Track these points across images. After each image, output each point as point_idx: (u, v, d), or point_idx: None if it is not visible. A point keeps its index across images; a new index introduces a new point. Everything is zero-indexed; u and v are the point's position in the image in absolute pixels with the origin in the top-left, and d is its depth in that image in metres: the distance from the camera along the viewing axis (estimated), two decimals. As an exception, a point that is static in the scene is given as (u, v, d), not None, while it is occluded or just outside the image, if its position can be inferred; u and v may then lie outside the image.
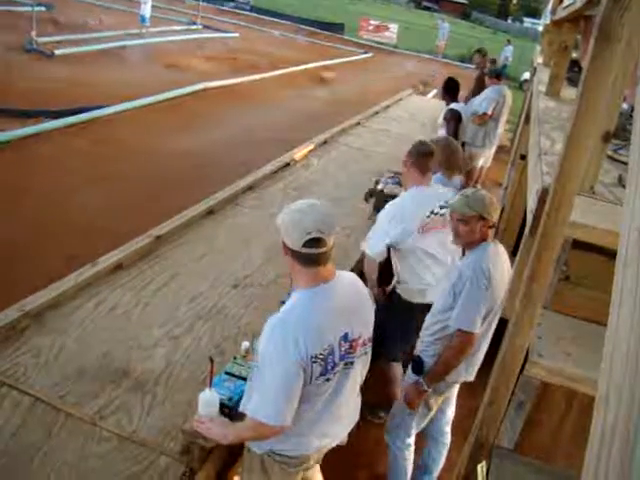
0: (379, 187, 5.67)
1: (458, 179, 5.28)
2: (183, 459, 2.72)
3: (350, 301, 2.47)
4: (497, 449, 2.10)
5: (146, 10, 20.84)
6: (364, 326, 2.51)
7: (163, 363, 3.34)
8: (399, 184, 5.66)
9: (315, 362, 2.29)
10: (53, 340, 3.38)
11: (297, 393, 2.30)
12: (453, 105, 7.44)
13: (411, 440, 3.71)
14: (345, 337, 2.39)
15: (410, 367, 3.50)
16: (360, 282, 2.64)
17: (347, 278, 2.56)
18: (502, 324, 2.20)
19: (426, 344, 3.40)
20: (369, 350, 2.58)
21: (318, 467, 2.96)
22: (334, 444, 2.69)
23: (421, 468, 3.98)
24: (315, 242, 2.27)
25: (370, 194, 5.65)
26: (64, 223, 6.66)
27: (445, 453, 3.98)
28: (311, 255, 2.30)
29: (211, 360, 2.68)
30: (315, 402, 2.44)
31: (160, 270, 4.26)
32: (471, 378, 3.54)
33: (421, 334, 3.47)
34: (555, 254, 1.93)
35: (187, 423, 2.74)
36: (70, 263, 4.14)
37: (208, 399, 2.67)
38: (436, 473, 4.00)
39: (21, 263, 5.66)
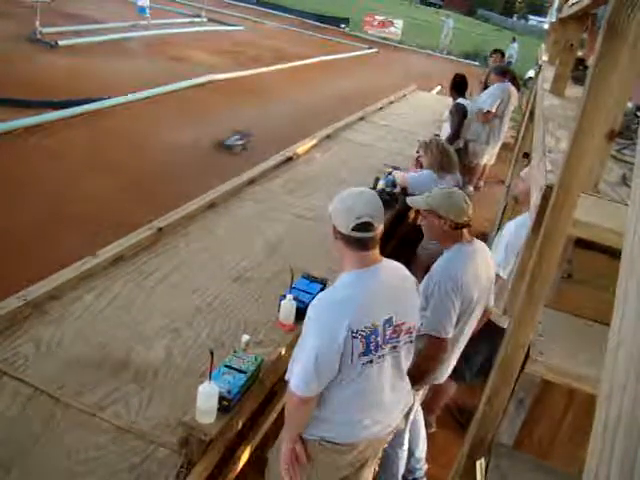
0: (379, 185, 5.67)
1: (450, 179, 5.31)
2: (181, 451, 2.73)
3: (395, 287, 2.54)
4: (496, 446, 2.10)
5: (145, 1, 20.49)
6: (409, 313, 2.56)
7: (163, 355, 3.35)
8: (394, 184, 5.66)
9: (356, 337, 2.34)
10: (53, 330, 3.38)
11: (330, 367, 2.35)
12: (460, 100, 7.43)
13: (403, 439, 3.71)
14: (389, 321, 2.45)
15: None
16: (406, 270, 2.68)
17: (393, 264, 2.63)
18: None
19: None
20: (414, 338, 2.63)
21: (372, 468, 2.95)
22: (385, 432, 2.69)
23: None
24: (364, 226, 2.38)
25: None
26: (67, 214, 6.66)
27: (422, 431, 3.97)
28: (360, 239, 2.40)
29: (211, 353, 2.69)
30: (359, 386, 2.46)
31: (161, 262, 4.26)
32: (442, 380, 3.59)
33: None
34: (558, 252, 1.93)
35: (186, 415, 2.75)
36: (72, 253, 4.14)
37: (207, 392, 2.68)
38: (422, 455, 4.00)
39: (22, 254, 5.66)
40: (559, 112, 3.87)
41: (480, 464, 2.01)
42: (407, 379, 2.77)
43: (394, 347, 2.51)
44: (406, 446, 3.78)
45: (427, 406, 4.08)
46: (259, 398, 3.19)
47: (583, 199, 1.86)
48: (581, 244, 2.01)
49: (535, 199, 2.21)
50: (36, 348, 3.23)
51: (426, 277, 3.35)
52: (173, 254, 4.41)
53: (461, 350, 3.56)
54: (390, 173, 5.97)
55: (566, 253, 2.03)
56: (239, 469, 3.15)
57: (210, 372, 2.71)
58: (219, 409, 2.74)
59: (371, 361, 2.43)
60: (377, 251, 2.50)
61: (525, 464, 2.09)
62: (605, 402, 0.72)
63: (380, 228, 2.45)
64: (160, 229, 4.58)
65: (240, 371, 2.91)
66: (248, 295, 4.04)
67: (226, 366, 2.95)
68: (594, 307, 2.01)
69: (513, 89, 8.41)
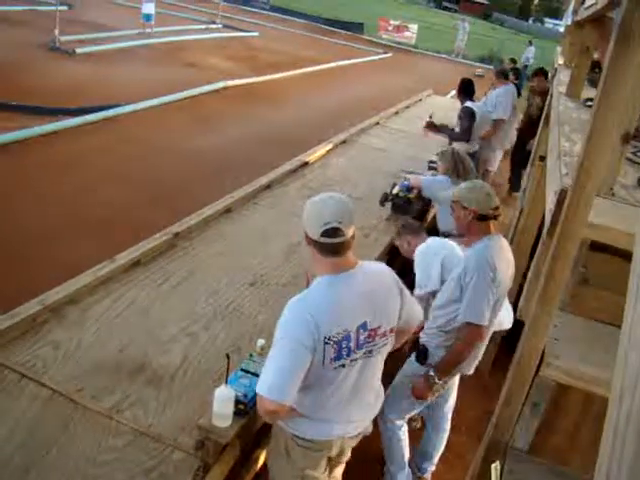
0: (395, 191, 5.68)
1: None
2: (197, 454, 2.74)
3: (370, 291, 2.51)
4: (512, 450, 2.10)
5: (150, 8, 20.54)
6: (386, 317, 2.54)
7: (179, 359, 3.37)
8: (409, 189, 5.66)
9: (327, 344, 2.35)
10: (72, 334, 3.42)
11: (300, 371, 2.34)
12: (468, 103, 7.40)
13: (403, 422, 3.76)
14: (364, 326, 2.44)
15: (414, 356, 3.54)
16: (388, 273, 2.67)
17: (371, 268, 2.62)
18: (518, 325, 2.19)
19: (431, 335, 3.46)
20: (390, 341, 2.62)
21: (343, 464, 2.98)
22: (356, 432, 2.72)
23: (421, 454, 4.02)
24: (333, 232, 2.37)
25: (385, 198, 5.67)
26: (84, 219, 6.73)
27: (445, 439, 4.01)
28: (329, 244, 2.38)
29: (227, 357, 2.71)
30: (335, 388, 2.49)
31: (178, 267, 4.29)
32: (470, 372, 3.66)
33: (426, 325, 3.53)
34: (573, 256, 1.92)
35: (202, 419, 2.77)
36: (90, 258, 4.18)
37: (224, 395, 2.69)
38: (436, 459, 4.05)
39: (40, 259, 5.72)
40: (574, 115, 3.86)
41: (495, 467, 2.01)
42: (379, 383, 2.76)
43: (369, 351, 2.51)
44: (405, 427, 3.79)
45: None
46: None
47: (598, 202, 1.87)
48: (596, 247, 2.01)
49: (550, 202, 2.20)
50: (54, 351, 3.26)
51: (459, 269, 3.36)
52: (189, 259, 4.44)
53: (480, 353, 3.59)
54: (406, 178, 5.98)
55: (581, 256, 2.03)
56: (255, 473, 3.16)
57: (226, 376, 2.73)
58: (235, 413, 2.76)
59: (343, 365, 2.44)
60: (350, 255, 2.47)
61: (540, 469, 2.08)
62: (616, 404, 0.73)
63: (350, 232, 2.42)
64: (176, 234, 4.61)
65: (256, 375, 2.92)
66: (264, 299, 4.06)
67: (242, 370, 2.96)
68: (609, 310, 2.00)
69: (514, 90, 8.45)
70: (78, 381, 3.09)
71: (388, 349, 2.67)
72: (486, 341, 3.54)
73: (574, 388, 2.00)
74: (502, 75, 8.70)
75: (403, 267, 4.13)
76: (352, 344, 2.42)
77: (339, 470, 2.97)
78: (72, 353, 3.28)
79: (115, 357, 3.31)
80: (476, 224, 3.39)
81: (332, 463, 2.82)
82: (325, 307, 2.38)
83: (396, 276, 2.69)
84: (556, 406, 2.26)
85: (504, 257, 3.36)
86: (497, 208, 3.39)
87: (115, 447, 2.76)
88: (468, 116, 7.19)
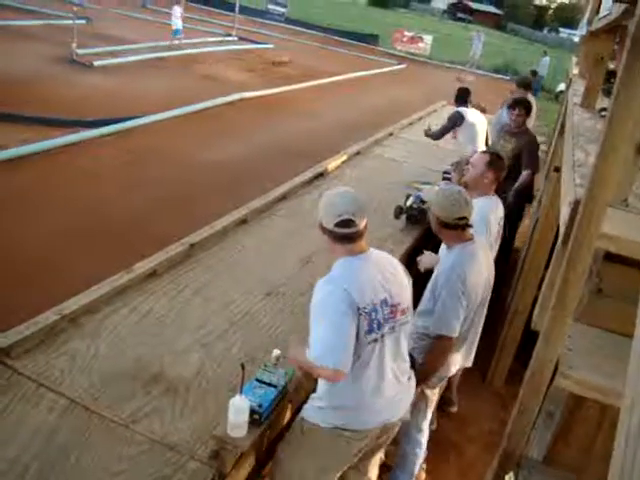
0: (408, 203, 5.70)
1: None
2: (212, 464, 2.75)
3: (385, 271, 2.73)
4: (526, 460, 2.09)
5: (178, 23, 21.24)
6: (402, 295, 2.74)
7: (195, 369, 3.39)
8: (422, 201, 5.68)
9: (361, 315, 2.53)
10: (88, 344, 3.45)
11: (352, 337, 2.51)
12: (460, 108, 7.40)
13: (421, 436, 3.81)
14: (385, 302, 2.63)
15: None
16: (395, 260, 2.92)
17: (381, 253, 2.87)
18: (534, 335, 2.19)
19: (414, 341, 3.52)
20: (410, 319, 2.81)
21: (377, 458, 3.08)
22: (393, 420, 2.82)
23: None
24: (346, 223, 2.61)
25: (399, 211, 5.68)
26: (102, 230, 6.79)
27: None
28: (342, 234, 2.63)
29: (242, 367, 2.72)
30: (369, 369, 2.62)
31: (194, 277, 4.32)
32: (469, 364, 3.80)
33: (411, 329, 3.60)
34: (587, 266, 1.92)
35: (217, 428, 2.78)
36: (107, 268, 4.22)
37: (239, 405, 2.70)
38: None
39: (58, 268, 5.78)
40: (589, 126, 3.86)
41: (509, 478, 2.00)
42: (408, 367, 2.90)
43: (392, 327, 2.67)
44: (424, 446, 3.82)
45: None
46: (290, 412, 3.21)
47: (611, 212, 1.86)
48: (610, 258, 2.01)
49: (564, 213, 2.20)
50: (71, 361, 3.29)
51: (432, 278, 3.51)
52: (205, 269, 4.47)
53: (475, 346, 3.72)
54: (420, 190, 6.00)
55: (595, 267, 2.03)
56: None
57: (241, 386, 2.74)
58: (250, 422, 2.77)
59: (375, 340, 2.60)
60: (363, 242, 2.71)
61: (554, 479, 2.07)
62: (627, 413, 0.74)
63: (363, 224, 2.66)
64: (192, 245, 4.64)
65: (271, 385, 2.94)
66: (279, 310, 4.07)
67: (257, 380, 2.98)
68: (623, 321, 1.99)
69: (533, 101, 8.41)
70: (94, 390, 3.11)
71: (409, 329, 2.84)
72: (477, 337, 3.69)
73: (589, 398, 1.99)
74: (522, 85, 8.69)
75: (420, 276, 4.14)
76: (380, 317, 2.59)
77: (373, 462, 3.05)
78: (89, 363, 3.31)
79: (131, 367, 3.33)
80: (445, 231, 3.47)
81: (369, 451, 2.89)
82: (352, 280, 2.58)
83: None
84: (570, 416, 2.25)
85: (476, 266, 3.43)
86: (463, 218, 3.40)
87: (131, 456, 2.78)
88: (452, 119, 7.28)
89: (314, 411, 2.77)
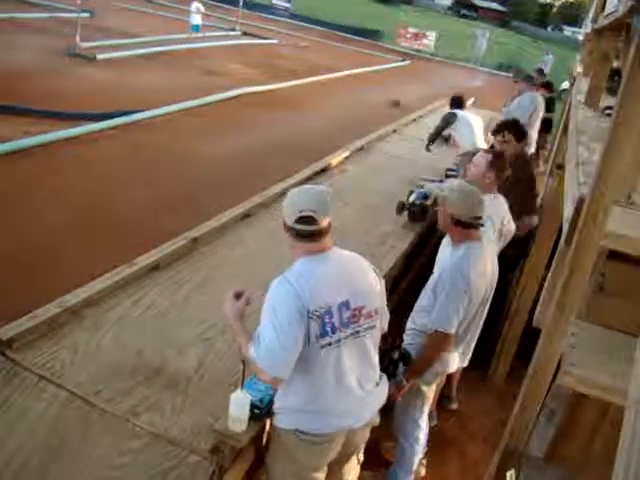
0: (411, 199, 5.69)
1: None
2: (213, 458, 2.76)
3: (349, 271, 2.66)
4: (527, 458, 2.09)
5: (197, 18, 21.51)
6: (367, 297, 2.65)
7: (196, 363, 3.39)
8: (425, 197, 5.67)
9: (311, 318, 2.46)
10: (90, 336, 3.45)
11: (297, 342, 2.45)
12: (455, 110, 7.43)
13: (419, 432, 3.80)
14: (346, 304, 2.56)
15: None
16: (365, 262, 2.79)
17: (347, 253, 2.76)
18: (536, 333, 2.19)
19: (410, 337, 3.52)
20: (378, 324, 2.71)
21: (354, 461, 3.01)
22: (362, 423, 2.75)
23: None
24: (307, 220, 2.54)
25: (402, 207, 5.67)
26: (103, 223, 6.79)
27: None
28: (302, 231, 2.56)
29: (243, 362, 2.72)
30: (325, 373, 2.56)
31: (195, 271, 4.32)
32: (465, 364, 3.78)
33: (407, 327, 3.65)
34: (590, 264, 1.92)
35: (218, 423, 2.78)
36: (109, 262, 4.22)
37: (239, 400, 2.70)
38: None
39: (59, 262, 5.78)
40: (593, 124, 3.85)
41: (510, 475, 2.00)
42: (381, 375, 2.84)
43: (356, 332, 2.60)
44: (423, 442, 3.82)
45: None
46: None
47: (616, 210, 1.86)
48: (613, 256, 2.00)
49: (568, 210, 2.20)
50: (73, 354, 3.29)
51: (435, 275, 3.48)
52: (207, 264, 4.47)
53: (473, 345, 3.71)
54: (422, 186, 5.99)
55: (598, 265, 2.02)
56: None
57: (242, 380, 2.74)
58: (251, 417, 2.77)
59: (330, 344, 2.52)
60: (327, 241, 2.62)
61: (555, 477, 2.07)
62: (632, 412, 0.73)
63: (325, 222, 2.56)
64: (194, 239, 4.64)
65: (272, 380, 2.93)
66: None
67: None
68: (626, 319, 1.99)
69: (541, 99, 8.39)
70: (96, 384, 3.11)
71: (377, 334, 2.75)
72: (476, 335, 3.67)
73: (590, 396, 1.99)
74: (530, 80, 8.69)
75: (421, 272, 4.15)
76: (335, 321, 2.52)
77: (349, 467, 2.98)
78: (90, 356, 3.31)
79: (132, 360, 3.33)
80: (457, 228, 3.44)
81: (338, 458, 2.82)
82: (303, 281, 2.51)
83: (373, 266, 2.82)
84: (572, 414, 2.25)
85: (481, 267, 3.42)
86: (479, 218, 3.40)
87: (132, 450, 2.78)
88: (445, 118, 7.37)
89: (278, 415, 2.72)
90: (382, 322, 2.81)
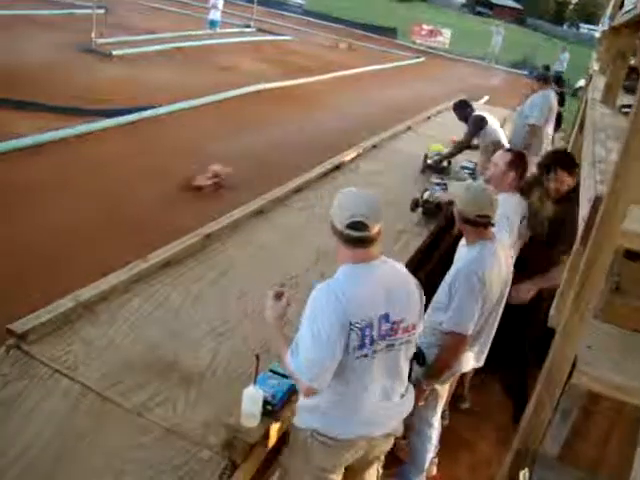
0: (425, 196, 5.68)
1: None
2: (225, 453, 2.76)
3: (392, 284, 2.57)
4: (541, 457, 2.08)
5: (217, 15, 21.59)
6: (408, 312, 2.59)
7: (209, 359, 3.40)
8: (445, 188, 5.66)
9: (352, 330, 2.40)
10: (104, 331, 3.47)
11: (338, 354, 2.40)
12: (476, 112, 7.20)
13: (431, 431, 3.80)
14: (386, 317, 2.49)
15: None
16: (409, 273, 2.73)
17: (393, 264, 2.68)
18: (550, 332, 2.18)
19: (425, 336, 3.49)
20: (413, 339, 2.66)
21: (374, 469, 2.97)
22: (382, 433, 2.72)
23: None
24: (357, 225, 2.46)
25: (415, 204, 5.66)
26: (117, 219, 6.82)
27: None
28: (353, 237, 2.47)
29: (257, 357, 2.72)
30: (355, 381, 2.52)
31: (209, 267, 4.33)
32: (480, 364, 3.75)
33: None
34: (607, 264, 1.90)
35: (231, 418, 2.78)
36: (123, 257, 4.24)
37: (252, 396, 2.71)
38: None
39: (73, 257, 5.81)
40: (610, 122, 3.82)
41: (524, 474, 1.99)
42: (408, 386, 2.79)
43: (391, 345, 2.55)
44: (435, 440, 3.82)
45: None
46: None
47: (633, 210, 1.84)
48: (630, 255, 1.99)
49: (584, 209, 2.18)
50: (86, 348, 3.31)
51: (451, 275, 3.45)
52: (220, 260, 4.47)
53: (488, 345, 3.69)
54: (438, 184, 5.98)
55: (614, 264, 2.01)
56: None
57: (255, 376, 2.75)
58: (263, 413, 2.78)
59: (366, 355, 2.48)
60: (375, 249, 2.55)
61: (569, 476, 2.06)
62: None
63: (375, 228, 2.49)
64: (208, 235, 4.65)
65: (285, 376, 2.94)
66: (294, 301, 4.06)
67: (271, 371, 2.98)
68: (643, 319, 1.98)
69: (553, 95, 8.34)
70: (109, 378, 3.13)
71: (412, 348, 2.70)
72: (491, 335, 3.65)
73: (604, 396, 1.98)
74: (542, 79, 8.62)
75: (434, 270, 4.14)
76: (375, 333, 2.47)
77: (369, 474, 2.94)
78: (103, 350, 3.33)
79: (145, 355, 3.35)
80: (466, 226, 3.45)
81: (358, 465, 2.80)
82: (349, 293, 2.44)
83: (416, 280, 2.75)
84: (586, 414, 2.23)
85: (496, 266, 3.40)
86: (484, 217, 3.37)
87: (144, 444, 2.79)
88: (476, 122, 6.84)
89: (299, 413, 2.70)
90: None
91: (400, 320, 2.54)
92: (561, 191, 4.34)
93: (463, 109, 7.17)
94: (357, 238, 2.48)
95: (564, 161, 4.44)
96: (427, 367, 3.38)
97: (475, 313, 3.30)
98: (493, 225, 3.42)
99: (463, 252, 3.54)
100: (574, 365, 1.88)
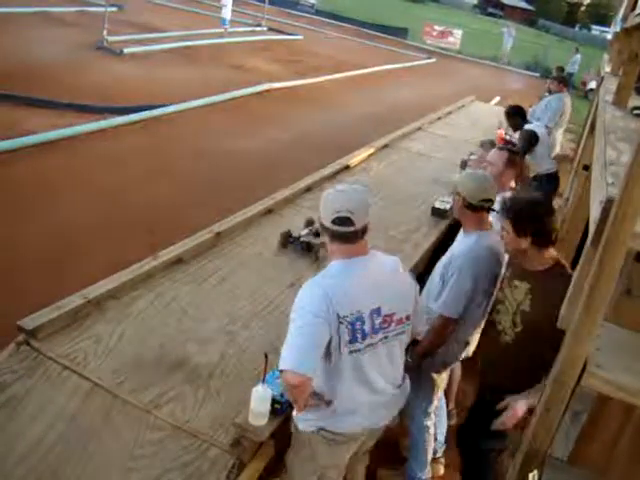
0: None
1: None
2: (233, 451, 2.78)
3: (384, 277, 2.61)
4: (550, 459, 2.07)
5: (227, 13, 21.69)
6: (400, 304, 2.62)
7: (218, 357, 3.41)
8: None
9: (342, 323, 2.42)
10: (113, 328, 3.49)
11: (320, 343, 2.40)
12: (527, 126, 7.06)
13: (428, 420, 3.78)
14: (378, 311, 2.52)
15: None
16: (400, 265, 2.75)
17: (383, 258, 2.71)
18: (560, 334, 2.17)
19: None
20: (407, 330, 2.69)
21: (366, 458, 3.05)
22: (380, 424, 2.77)
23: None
24: (343, 221, 2.47)
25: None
26: (128, 216, 6.84)
27: (445, 416, 4.16)
28: (339, 232, 2.50)
29: (266, 356, 2.73)
30: (352, 376, 2.54)
31: (218, 266, 4.34)
32: (469, 354, 3.75)
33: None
34: (618, 266, 1.89)
35: (239, 416, 2.79)
36: (133, 255, 4.25)
37: (261, 394, 2.72)
38: (442, 437, 4.11)
39: (84, 254, 5.83)
40: (621, 124, 3.80)
41: (533, 477, 1.99)
42: (404, 376, 2.83)
43: (385, 337, 2.57)
44: (432, 430, 3.82)
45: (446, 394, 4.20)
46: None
47: (647, 212, 1.83)
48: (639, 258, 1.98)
49: (595, 212, 2.17)
50: (96, 345, 3.33)
51: (445, 261, 3.46)
52: (230, 258, 4.49)
53: (479, 333, 3.67)
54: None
55: (625, 267, 2.00)
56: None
57: (264, 375, 2.75)
58: (271, 412, 2.78)
59: (359, 350, 2.50)
60: (363, 244, 2.57)
61: (579, 479, 2.05)
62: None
63: (361, 223, 2.50)
64: (218, 233, 4.67)
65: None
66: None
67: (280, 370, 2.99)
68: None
69: (568, 99, 8.31)
70: (118, 375, 3.15)
71: (406, 340, 2.73)
72: (477, 334, 3.65)
73: (614, 398, 1.97)
74: (560, 81, 8.62)
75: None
76: (367, 327, 2.49)
77: (362, 463, 3.03)
78: (113, 347, 3.35)
79: (155, 353, 3.36)
80: (468, 213, 3.44)
81: (354, 456, 2.84)
82: (338, 287, 2.46)
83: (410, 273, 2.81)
84: (596, 416, 2.23)
85: (492, 256, 3.40)
86: (488, 201, 3.39)
87: (152, 441, 2.81)
88: (527, 138, 6.61)
89: (302, 416, 2.67)
90: (416, 327, 2.82)
91: (393, 313, 2.58)
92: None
93: (514, 118, 7.12)
94: (343, 233, 2.50)
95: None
96: (415, 346, 3.39)
97: (464, 299, 3.32)
98: (494, 210, 3.43)
99: (459, 240, 3.57)
100: (584, 367, 1.87)
